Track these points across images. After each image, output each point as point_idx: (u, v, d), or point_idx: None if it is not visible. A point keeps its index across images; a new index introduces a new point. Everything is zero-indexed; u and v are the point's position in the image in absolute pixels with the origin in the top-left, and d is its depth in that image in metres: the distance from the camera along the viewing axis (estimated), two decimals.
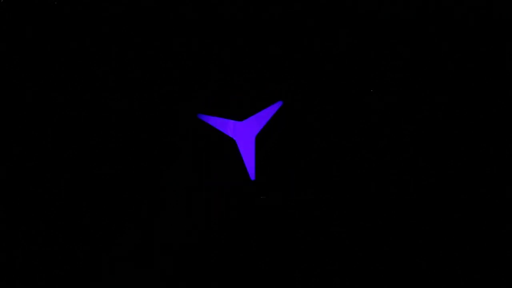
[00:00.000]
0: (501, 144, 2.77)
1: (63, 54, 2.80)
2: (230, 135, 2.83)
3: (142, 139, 2.79)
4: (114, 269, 2.67)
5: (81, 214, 2.72)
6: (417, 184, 2.78)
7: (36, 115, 2.76)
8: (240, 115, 2.84)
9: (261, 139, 2.84)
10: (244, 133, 2.84)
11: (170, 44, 2.83)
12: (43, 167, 2.74)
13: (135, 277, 2.67)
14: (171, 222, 2.74)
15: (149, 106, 2.80)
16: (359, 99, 2.84)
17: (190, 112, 2.83)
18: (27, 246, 2.67)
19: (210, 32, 2.84)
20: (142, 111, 2.80)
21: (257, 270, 2.71)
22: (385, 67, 2.85)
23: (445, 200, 2.75)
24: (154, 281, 2.67)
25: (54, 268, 2.66)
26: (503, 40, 2.81)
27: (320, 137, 2.83)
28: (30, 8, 2.79)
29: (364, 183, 2.79)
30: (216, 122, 2.83)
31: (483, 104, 2.80)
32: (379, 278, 2.69)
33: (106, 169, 2.76)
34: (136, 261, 2.68)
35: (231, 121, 2.83)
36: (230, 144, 2.83)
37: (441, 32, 2.84)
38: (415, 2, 2.83)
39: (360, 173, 2.80)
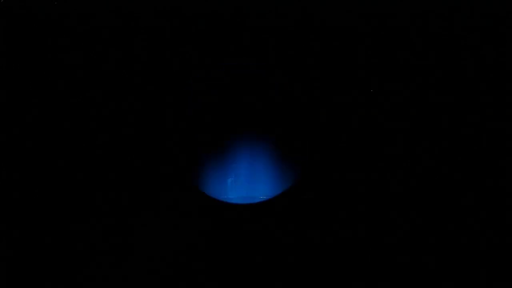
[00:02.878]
0: (501, 144, 2.78)
1: (63, 54, 2.80)
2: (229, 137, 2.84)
3: (141, 139, 2.79)
4: (112, 268, 2.68)
5: (80, 214, 2.72)
6: (417, 184, 2.78)
7: (36, 115, 2.77)
8: (240, 115, 2.85)
9: (262, 139, 2.84)
10: (246, 135, 2.85)
11: (169, 44, 2.84)
12: (43, 167, 2.74)
13: (135, 277, 2.67)
14: (169, 222, 2.74)
15: (149, 106, 2.81)
16: (359, 99, 2.85)
17: (190, 112, 2.83)
18: (27, 246, 2.68)
19: (210, 32, 2.85)
20: (142, 111, 2.81)
21: (257, 270, 2.71)
22: (385, 67, 2.85)
23: (445, 200, 2.76)
24: (154, 281, 2.67)
25: (54, 268, 2.66)
26: (503, 40, 2.82)
27: (321, 137, 2.83)
28: (30, 8, 2.80)
29: (364, 183, 2.79)
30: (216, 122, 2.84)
31: (483, 104, 2.81)
32: (379, 278, 2.69)
33: (105, 169, 2.76)
34: (134, 261, 2.69)
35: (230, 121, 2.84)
36: (229, 145, 2.83)
37: (441, 32, 2.85)
38: (415, 2, 2.84)
39: (360, 173, 2.81)
